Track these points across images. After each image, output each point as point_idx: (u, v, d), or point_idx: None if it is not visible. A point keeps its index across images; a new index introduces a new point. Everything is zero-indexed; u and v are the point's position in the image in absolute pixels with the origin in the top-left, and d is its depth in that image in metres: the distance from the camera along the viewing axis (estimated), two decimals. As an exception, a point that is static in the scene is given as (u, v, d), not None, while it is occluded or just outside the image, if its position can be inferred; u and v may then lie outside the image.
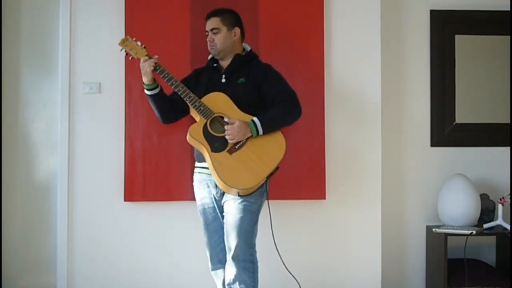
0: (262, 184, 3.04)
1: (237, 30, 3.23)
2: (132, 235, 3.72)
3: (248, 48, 3.32)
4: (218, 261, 3.23)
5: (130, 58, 3.27)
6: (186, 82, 3.26)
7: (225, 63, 3.26)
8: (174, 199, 3.68)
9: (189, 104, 3.12)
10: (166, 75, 3.14)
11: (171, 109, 3.28)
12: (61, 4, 3.73)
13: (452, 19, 4.07)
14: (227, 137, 3.02)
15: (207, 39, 3.24)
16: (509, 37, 4.07)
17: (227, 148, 3.04)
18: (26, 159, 3.89)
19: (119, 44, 3.24)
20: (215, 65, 3.30)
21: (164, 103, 3.26)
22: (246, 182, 2.99)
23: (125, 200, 3.68)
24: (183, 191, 3.65)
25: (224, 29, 3.19)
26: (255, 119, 3.04)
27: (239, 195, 3.02)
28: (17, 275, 3.86)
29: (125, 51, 3.24)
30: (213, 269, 3.28)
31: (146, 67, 3.13)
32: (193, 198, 3.61)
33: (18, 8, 3.88)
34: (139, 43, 3.22)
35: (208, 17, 3.25)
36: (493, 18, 4.08)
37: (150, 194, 3.68)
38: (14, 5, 3.87)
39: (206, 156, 3.07)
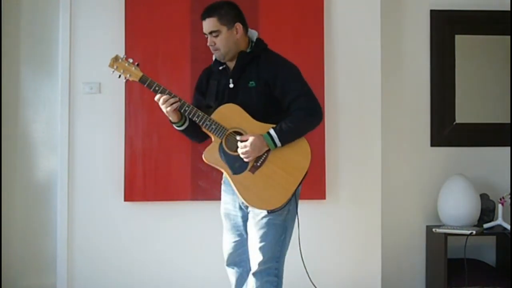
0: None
1: (238, 26, 2.83)
2: (132, 235, 3.72)
3: (255, 37, 2.92)
4: (233, 263, 3.05)
5: (125, 80, 2.83)
6: (198, 87, 3.01)
7: (232, 64, 2.90)
8: (174, 199, 3.68)
9: (200, 124, 2.80)
10: (182, 105, 2.78)
11: (203, 133, 2.90)
12: (61, 4, 3.73)
13: (452, 19, 4.07)
14: (242, 156, 2.75)
15: (208, 43, 2.86)
16: (509, 37, 4.07)
17: (249, 168, 2.77)
18: (26, 159, 3.89)
19: (109, 66, 2.80)
20: (220, 68, 2.93)
21: (196, 131, 2.91)
22: (274, 201, 2.76)
23: (125, 200, 3.68)
24: (183, 191, 3.65)
25: (224, 30, 2.81)
26: (271, 131, 2.75)
27: (268, 212, 2.79)
28: (17, 275, 3.86)
29: (119, 74, 2.81)
30: (228, 266, 3.08)
31: (168, 110, 2.77)
32: (192, 198, 3.63)
33: (18, 8, 3.88)
34: (130, 60, 2.81)
35: (203, 17, 2.84)
36: (493, 18, 4.08)
37: (150, 194, 3.68)
38: (14, 5, 3.87)
39: (228, 179, 2.81)
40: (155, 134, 3.67)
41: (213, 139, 2.81)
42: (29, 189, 3.88)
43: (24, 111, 3.89)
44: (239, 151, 2.74)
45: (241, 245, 3.00)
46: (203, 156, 2.81)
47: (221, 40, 2.82)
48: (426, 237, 4.02)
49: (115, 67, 2.81)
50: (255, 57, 2.87)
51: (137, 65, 2.83)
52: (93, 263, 3.72)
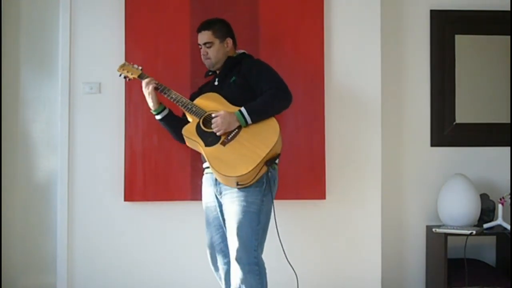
0: (261, 176, 2.99)
1: (229, 40, 3.25)
2: (132, 235, 3.72)
3: (241, 51, 3.33)
4: (217, 261, 3.21)
5: (127, 79, 3.37)
6: (191, 97, 3.33)
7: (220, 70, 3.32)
8: (174, 199, 3.69)
9: (183, 109, 3.16)
10: (159, 87, 3.22)
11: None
12: (61, 4, 3.74)
13: (452, 19, 4.07)
14: (214, 129, 3.02)
15: (201, 53, 3.27)
16: (509, 37, 4.07)
17: (220, 141, 3.03)
18: (26, 159, 3.89)
19: (118, 70, 3.36)
20: (210, 73, 3.34)
21: (176, 125, 3.26)
22: (241, 169, 2.93)
23: (125, 200, 3.68)
24: (183, 191, 3.65)
25: (216, 42, 3.22)
26: (242, 108, 3.02)
27: (238, 184, 2.98)
28: (17, 275, 3.86)
29: (124, 75, 3.35)
30: (215, 270, 3.26)
31: (148, 90, 3.22)
32: (192, 198, 3.63)
33: (18, 8, 3.89)
34: (135, 66, 3.34)
35: (199, 30, 3.27)
36: (493, 18, 4.08)
37: (150, 194, 3.68)
38: (14, 5, 3.87)
39: (202, 152, 3.08)
40: (155, 134, 3.67)
41: (191, 120, 3.15)
42: (29, 189, 3.88)
43: (24, 111, 3.90)
44: (212, 124, 3.03)
45: (224, 238, 3.14)
46: (182, 131, 3.13)
47: (213, 51, 3.23)
48: (426, 237, 4.02)
49: (121, 70, 3.34)
50: (239, 61, 3.24)
51: (141, 69, 3.33)
52: (93, 263, 3.72)
